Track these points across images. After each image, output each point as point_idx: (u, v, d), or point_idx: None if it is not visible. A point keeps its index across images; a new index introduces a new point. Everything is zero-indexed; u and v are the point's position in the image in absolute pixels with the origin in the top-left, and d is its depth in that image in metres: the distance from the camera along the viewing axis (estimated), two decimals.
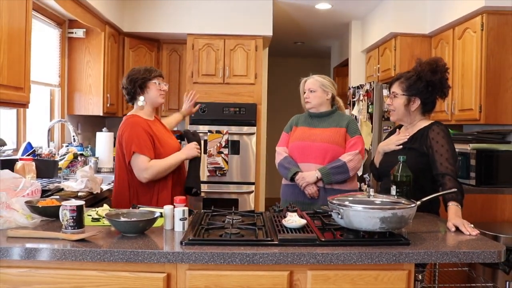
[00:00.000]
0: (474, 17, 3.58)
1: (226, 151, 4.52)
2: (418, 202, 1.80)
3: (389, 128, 4.17)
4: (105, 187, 3.10)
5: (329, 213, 1.83)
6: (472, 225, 1.90)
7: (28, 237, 1.69)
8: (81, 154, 3.70)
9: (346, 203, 1.73)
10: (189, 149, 2.53)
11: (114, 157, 4.19)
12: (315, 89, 2.76)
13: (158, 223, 1.87)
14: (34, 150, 3.19)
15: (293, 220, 1.82)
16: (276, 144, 2.89)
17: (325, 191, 2.63)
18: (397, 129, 2.49)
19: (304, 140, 2.72)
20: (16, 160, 2.76)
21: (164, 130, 2.61)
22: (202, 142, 4.48)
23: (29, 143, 3.20)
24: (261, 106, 4.72)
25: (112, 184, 3.32)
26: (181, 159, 2.49)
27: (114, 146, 4.26)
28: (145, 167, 2.35)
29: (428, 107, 2.35)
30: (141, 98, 2.50)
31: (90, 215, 1.97)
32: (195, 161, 2.57)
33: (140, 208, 2.04)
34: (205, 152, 4.51)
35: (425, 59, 2.35)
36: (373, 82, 4.30)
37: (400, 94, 2.33)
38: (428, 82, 2.26)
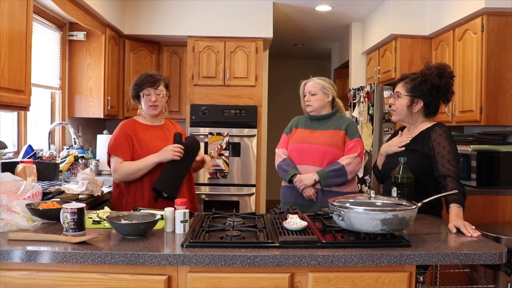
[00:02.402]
0: (474, 18, 3.58)
1: (226, 153, 4.52)
2: (419, 204, 1.80)
3: (389, 130, 4.17)
4: (106, 189, 3.09)
5: (330, 215, 1.82)
6: (473, 227, 1.90)
7: (29, 239, 1.69)
8: (82, 157, 3.70)
9: (347, 205, 1.73)
10: (164, 152, 2.42)
11: None
12: (315, 92, 2.75)
13: (159, 225, 1.87)
14: (35, 152, 3.20)
15: (294, 222, 1.82)
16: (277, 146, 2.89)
17: (323, 194, 2.63)
18: (400, 131, 2.49)
19: (303, 142, 2.72)
20: (17, 162, 2.76)
21: (166, 135, 2.59)
22: (203, 144, 4.50)
23: (30, 146, 3.21)
24: (261, 108, 4.72)
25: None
26: (153, 162, 2.41)
27: None
28: (115, 168, 2.46)
29: (431, 110, 2.34)
30: (141, 107, 2.60)
31: (91, 218, 1.97)
32: (173, 164, 2.43)
33: (141, 211, 2.04)
34: (205, 154, 4.50)
35: (433, 63, 2.35)
36: (374, 83, 4.30)
37: (403, 94, 2.33)
38: (433, 85, 2.26)
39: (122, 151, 2.45)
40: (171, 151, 2.41)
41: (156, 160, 2.42)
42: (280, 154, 2.80)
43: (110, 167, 2.52)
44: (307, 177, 2.62)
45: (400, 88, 2.36)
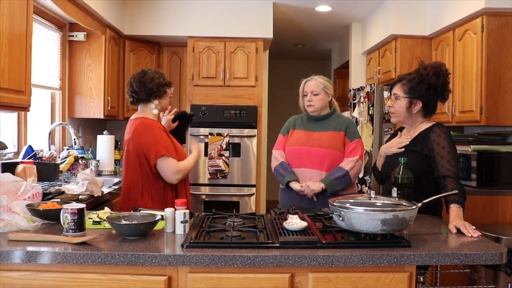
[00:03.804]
0: (474, 18, 3.58)
1: (227, 153, 4.52)
2: (419, 204, 1.80)
3: (389, 130, 4.17)
4: (106, 190, 3.10)
5: (330, 215, 1.82)
6: (474, 227, 1.90)
7: (29, 240, 1.69)
8: (82, 157, 3.70)
9: (347, 205, 1.73)
10: (196, 147, 2.72)
11: (115, 160, 4.21)
12: (318, 92, 2.69)
13: (159, 226, 1.87)
14: (35, 153, 3.20)
15: (294, 222, 1.82)
16: None
17: (323, 196, 2.60)
18: (399, 132, 2.49)
19: (302, 144, 2.68)
20: (17, 163, 2.76)
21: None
22: (203, 144, 4.50)
23: (30, 146, 3.21)
24: (261, 108, 4.72)
25: (113, 187, 3.33)
26: (198, 157, 2.68)
27: (116, 149, 4.28)
28: (177, 169, 2.42)
29: (430, 109, 2.34)
30: (156, 102, 2.55)
31: (91, 218, 1.97)
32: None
33: (141, 211, 2.04)
34: (205, 155, 4.51)
35: (428, 62, 2.34)
36: (374, 84, 4.30)
37: (402, 96, 2.32)
38: (431, 85, 2.26)
39: (174, 151, 2.45)
40: (197, 143, 2.86)
41: (199, 155, 2.70)
42: (277, 156, 2.75)
43: (160, 169, 2.39)
44: (314, 184, 2.57)
45: (397, 90, 2.35)
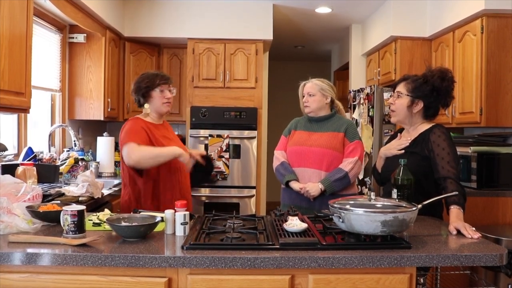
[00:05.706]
0: (474, 20, 3.59)
1: (227, 155, 4.52)
2: (419, 206, 1.80)
3: (389, 131, 4.17)
4: (106, 191, 3.10)
5: (330, 216, 1.82)
6: (474, 228, 1.90)
7: (29, 242, 1.69)
8: (82, 159, 3.70)
9: (347, 206, 1.73)
10: (187, 154, 2.41)
11: (115, 161, 4.21)
12: (314, 93, 2.75)
13: (159, 227, 1.87)
14: (35, 155, 3.20)
15: (294, 224, 1.82)
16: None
17: (323, 196, 2.61)
18: (399, 133, 2.48)
19: (301, 144, 2.72)
20: (17, 165, 2.76)
21: (169, 135, 2.60)
22: (203, 146, 4.50)
23: (30, 148, 3.21)
24: (261, 110, 4.72)
25: (113, 188, 3.33)
26: (176, 153, 2.34)
27: (116, 150, 4.29)
28: (129, 151, 2.29)
29: (430, 112, 2.34)
30: (146, 106, 2.53)
31: (91, 220, 1.97)
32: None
33: (141, 213, 2.04)
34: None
35: (435, 67, 2.35)
36: (374, 85, 4.31)
37: (404, 94, 2.33)
38: (434, 87, 2.26)
39: (140, 138, 2.34)
40: (190, 160, 2.40)
41: (178, 153, 2.35)
42: (279, 157, 2.79)
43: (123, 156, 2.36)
44: (313, 187, 2.59)
45: (401, 88, 2.36)
